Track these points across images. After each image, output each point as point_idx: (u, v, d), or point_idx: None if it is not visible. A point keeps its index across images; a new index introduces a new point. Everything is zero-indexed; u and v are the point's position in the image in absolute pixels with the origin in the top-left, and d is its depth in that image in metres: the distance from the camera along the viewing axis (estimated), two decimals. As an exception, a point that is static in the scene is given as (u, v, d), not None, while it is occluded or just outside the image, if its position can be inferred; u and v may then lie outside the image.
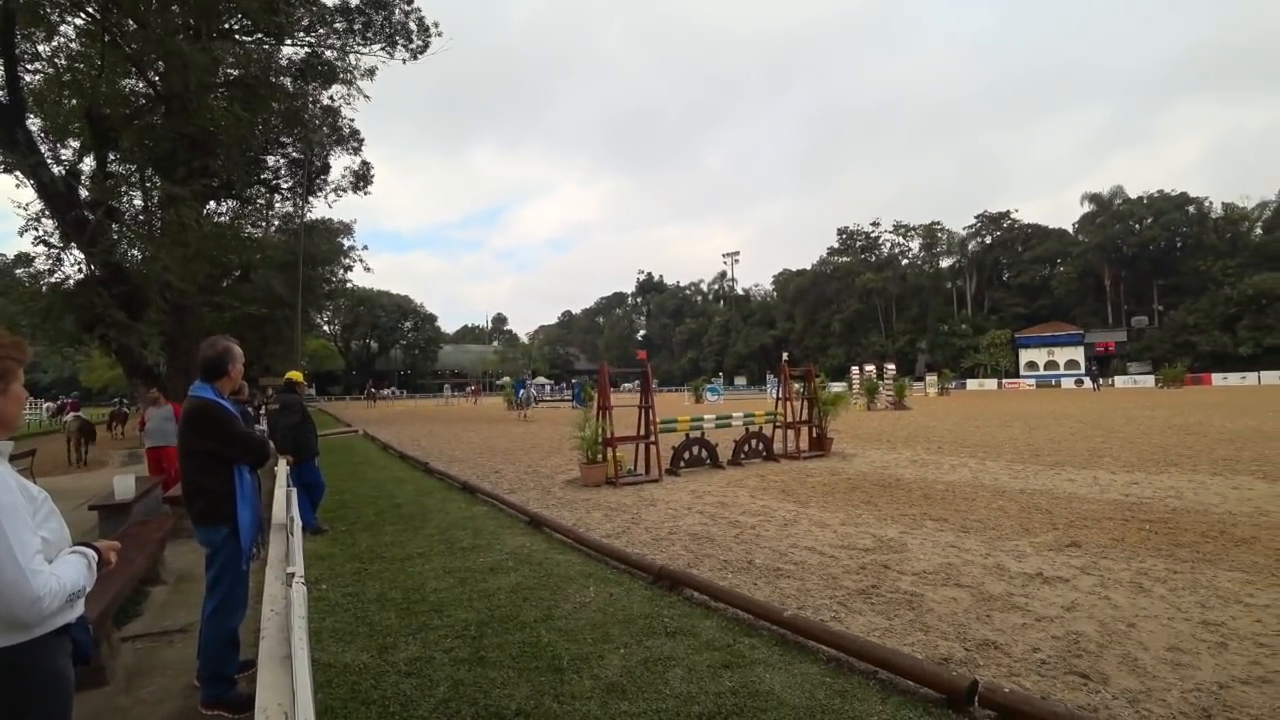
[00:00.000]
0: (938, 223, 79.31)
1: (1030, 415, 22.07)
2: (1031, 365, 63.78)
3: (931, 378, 44.54)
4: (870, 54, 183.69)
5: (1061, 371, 60.84)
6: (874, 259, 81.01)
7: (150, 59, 18.10)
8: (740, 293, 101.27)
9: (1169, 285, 62.45)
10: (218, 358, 3.47)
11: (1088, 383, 52.27)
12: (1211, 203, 64.16)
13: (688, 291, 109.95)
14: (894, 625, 4.06)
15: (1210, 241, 61.78)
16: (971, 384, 61.06)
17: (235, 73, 22.19)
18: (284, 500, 4.27)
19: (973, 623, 4.05)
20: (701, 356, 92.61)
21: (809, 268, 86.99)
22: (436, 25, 25.65)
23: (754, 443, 11.82)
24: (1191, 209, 63.27)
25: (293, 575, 2.41)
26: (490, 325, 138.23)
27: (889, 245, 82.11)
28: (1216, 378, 49.66)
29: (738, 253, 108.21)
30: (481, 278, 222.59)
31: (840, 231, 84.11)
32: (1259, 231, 63.91)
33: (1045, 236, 73.78)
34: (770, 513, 7.42)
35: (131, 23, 17.52)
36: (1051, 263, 72.86)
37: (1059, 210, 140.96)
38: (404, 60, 25.64)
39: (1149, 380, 52.48)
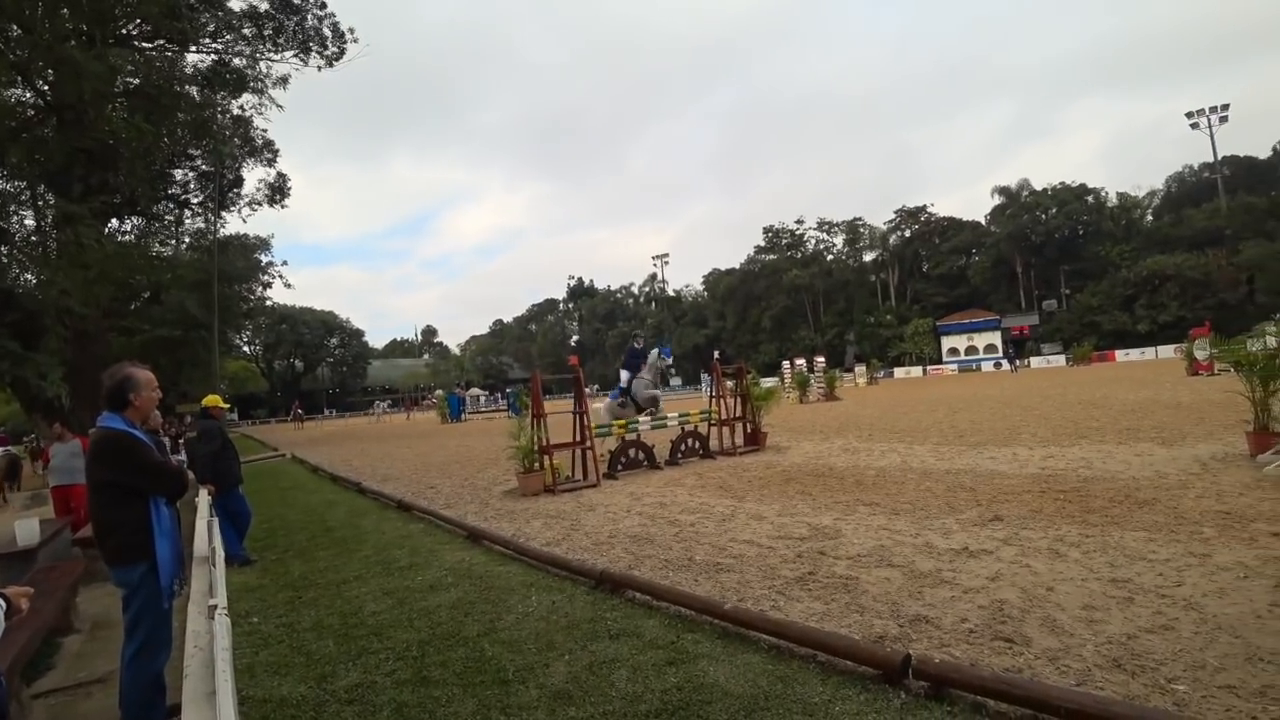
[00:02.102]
0: (859, 218, 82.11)
1: (954, 399, 23.08)
2: (953, 351, 66.73)
3: (860, 368, 45.95)
4: (788, 54, 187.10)
5: (981, 356, 63.84)
6: (800, 256, 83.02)
7: (38, 67, 16.96)
8: (671, 294, 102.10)
9: (1074, 270, 66.40)
10: (117, 386, 3.28)
11: (1006, 365, 55.06)
12: (1108, 192, 68.85)
13: (619, 295, 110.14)
14: (831, 609, 4.18)
15: (1108, 228, 66.12)
16: (899, 372, 63.36)
17: (135, 81, 21.04)
18: (205, 531, 4.09)
19: (905, 600, 4.21)
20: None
21: (738, 266, 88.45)
22: (352, 31, 24.96)
23: (690, 442, 11.96)
24: (1090, 199, 67.57)
25: (215, 607, 2.31)
26: (420, 338, 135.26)
27: (814, 242, 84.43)
28: (1120, 354, 53.11)
29: (667, 255, 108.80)
30: (409, 289, 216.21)
31: (766, 230, 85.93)
32: (1149, 218, 69.05)
33: (960, 228, 77.27)
34: (709, 509, 7.53)
35: (16, 28, 16.38)
36: (967, 253, 76.40)
37: (972, 203, 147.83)
38: (319, 68, 24.85)
39: (1061, 360, 55.69)
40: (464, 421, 40.14)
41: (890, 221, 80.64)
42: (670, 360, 13.44)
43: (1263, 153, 64.98)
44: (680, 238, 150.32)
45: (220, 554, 3.37)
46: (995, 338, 64.99)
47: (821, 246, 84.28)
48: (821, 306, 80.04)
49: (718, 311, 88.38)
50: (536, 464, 9.75)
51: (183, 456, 11.65)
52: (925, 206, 79.38)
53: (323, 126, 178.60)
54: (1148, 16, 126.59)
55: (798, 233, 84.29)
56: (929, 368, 63.86)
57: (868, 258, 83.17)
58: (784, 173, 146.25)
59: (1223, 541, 4.87)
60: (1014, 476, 7.92)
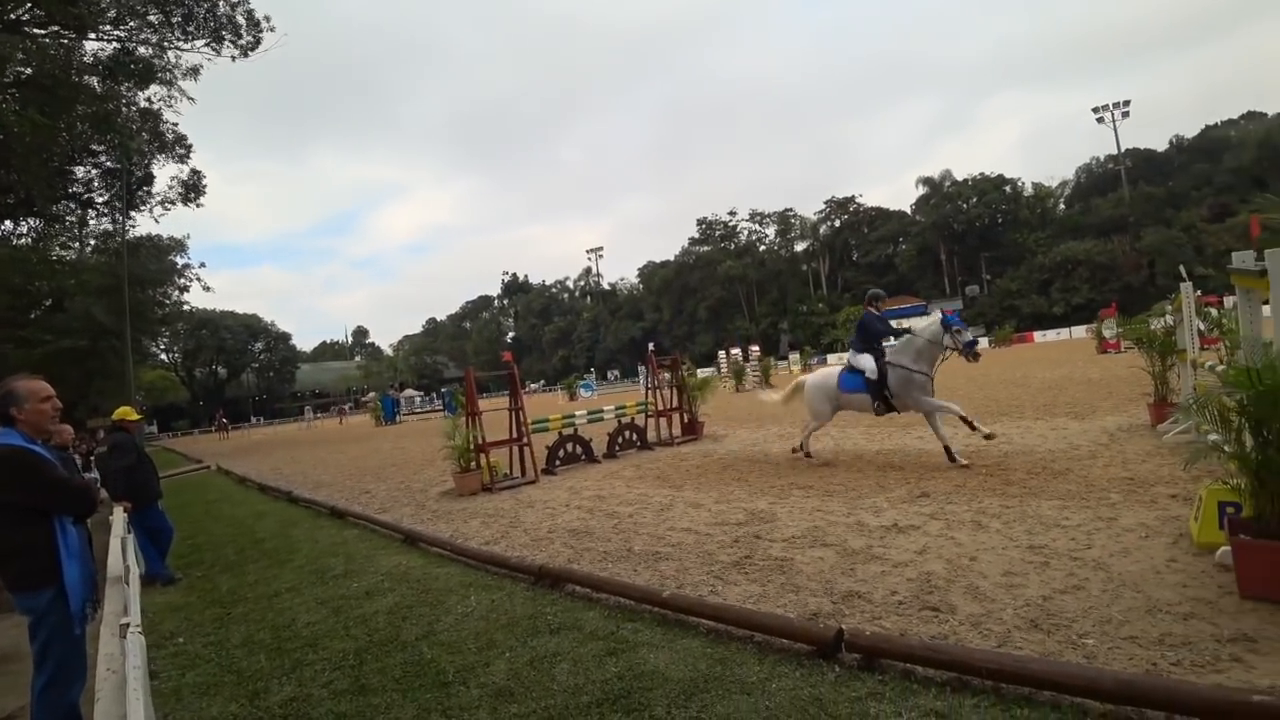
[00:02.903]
0: (790, 209, 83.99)
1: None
2: (884, 337, 69.08)
3: (794, 356, 47.10)
4: (720, 46, 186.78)
5: (912, 340, 66.28)
6: (733, 247, 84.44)
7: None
8: (607, 288, 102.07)
9: (994, 257, 69.75)
10: None
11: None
12: (1024, 182, 72.87)
13: (554, 290, 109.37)
14: (768, 590, 4.28)
15: (1024, 217, 69.86)
16: (832, 359, 65.10)
17: (28, 70, 19.60)
18: (118, 550, 3.87)
19: (838, 577, 4.35)
20: (572, 354, 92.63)
21: (672, 259, 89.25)
22: (268, 19, 23.85)
23: (628, 434, 12.01)
24: (1008, 189, 71.31)
25: (127, 626, 2.19)
26: (351, 339, 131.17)
27: (747, 233, 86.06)
28: (1038, 335, 55.97)
29: (601, 248, 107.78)
30: (338, 289, 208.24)
31: (700, 222, 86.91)
32: (1062, 207, 73.55)
33: (887, 218, 79.98)
34: (647, 500, 7.58)
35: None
36: (894, 241, 79.26)
37: (899, 193, 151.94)
38: (233, 58, 23.66)
39: (984, 342, 58.35)
40: (399, 423, 39.19)
41: (820, 212, 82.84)
42: (965, 330, 7.69)
43: (1161, 145, 70.21)
44: (615, 231, 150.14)
45: (135, 572, 3.20)
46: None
47: (754, 237, 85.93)
48: (755, 296, 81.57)
49: (654, 304, 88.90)
50: (473, 463, 9.61)
51: (95, 474, 10.98)
52: (854, 197, 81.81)
53: (240, 120, 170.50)
54: (1059, 17, 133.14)
55: (731, 224, 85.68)
56: (861, 354, 65.84)
57: (799, 247, 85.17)
58: (716, 165, 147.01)
59: (1127, 505, 5.21)
60: (940, 454, 8.22)
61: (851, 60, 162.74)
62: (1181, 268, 8.25)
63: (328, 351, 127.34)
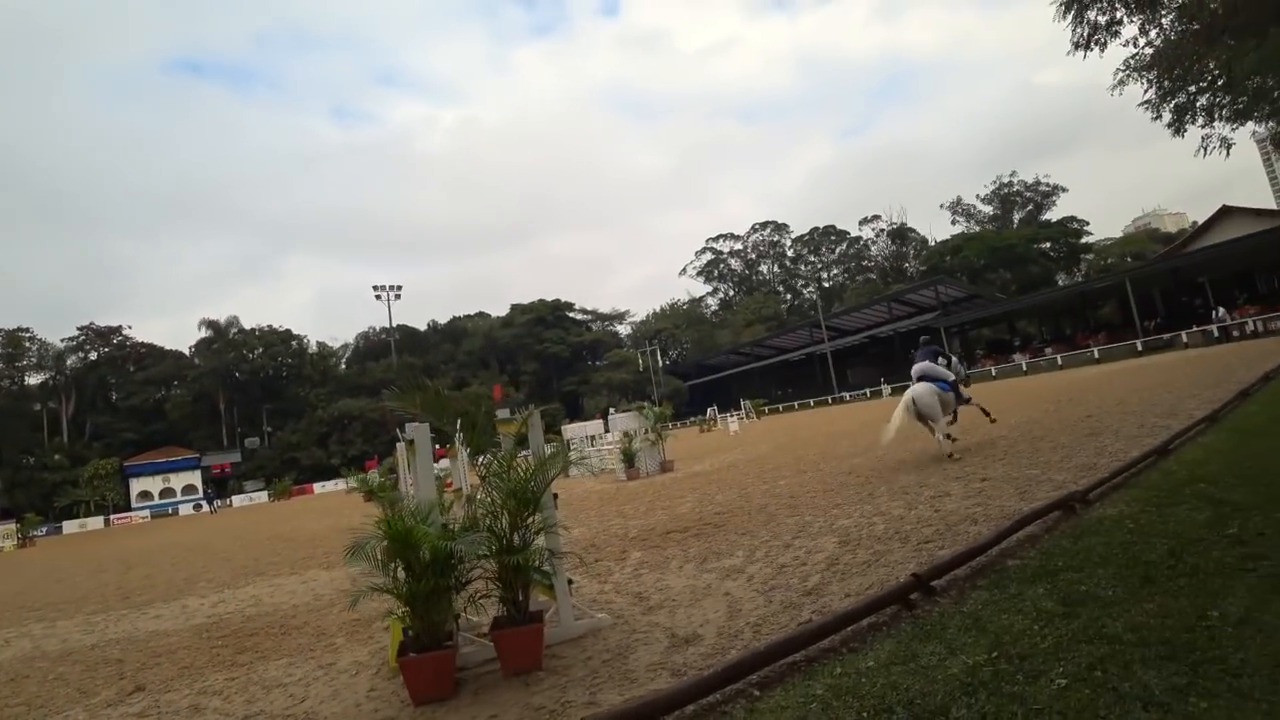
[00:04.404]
0: (26, 329, 66.22)
1: (134, 553, 20.29)
2: (145, 495, 59.61)
3: (10, 525, 35.87)
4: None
5: (179, 499, 59.09)
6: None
7: None
8: None
9: (276, 409, 70.36)
10: None
11: (206, 506, 52.33)
12: (310, 340, 77.96)
13: None
14: None
15: (308, 373, 73.89)
16: (70, 526, 51.83)
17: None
18: None
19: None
20: None
21: None
22: None
23: None
24: (295, 344, 74.72)
25: None
26: None
27: (-56, 353, 63.33)
28: (318, 486, 57.88)
29: None
30: None
31: None
32: (343, 367, 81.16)
33: (161, 357, 71.95)
34: None
35: None
36: (167, 385, 71.54)
37: (180, 332, 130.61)
38: None
39: (264, 495, 56.69)
40: None
41: (72, 339, 68.18)
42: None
43: (422, 326, 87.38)
44: None
45: None
46: (195, 478, 61.78)
47: (-48, 362, 63.81)
48: (-52, 445, 59.36)
49: None
50: None
51: None
52: (120, 328, 70.75)
53: None
54: (351, 201, 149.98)
55: (-85, 338, 61.69)
56: (113, 517, 54.74)
57: (34, 380, 67.34)
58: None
59: (349, 647, 5.67)
60: (176, 633, 7.36)
61: (158, 171, 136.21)
62: (399, 430, 10.04)
63: None
